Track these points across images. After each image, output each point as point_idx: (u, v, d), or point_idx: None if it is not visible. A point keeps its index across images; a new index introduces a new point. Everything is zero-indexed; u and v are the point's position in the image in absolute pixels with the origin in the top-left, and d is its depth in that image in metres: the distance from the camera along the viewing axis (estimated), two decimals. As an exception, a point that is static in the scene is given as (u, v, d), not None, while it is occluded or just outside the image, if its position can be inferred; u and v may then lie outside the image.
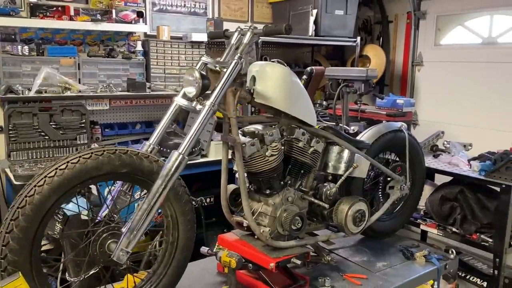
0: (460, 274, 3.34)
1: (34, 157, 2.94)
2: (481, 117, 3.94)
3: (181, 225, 1.76)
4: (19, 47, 3.08)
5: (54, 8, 3.23)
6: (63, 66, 3.24)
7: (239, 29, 1.93)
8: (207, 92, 1.74)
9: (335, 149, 2.21)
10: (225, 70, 1.77)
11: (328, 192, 2.16)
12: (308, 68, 3.28)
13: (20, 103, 2.93)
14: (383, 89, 4.70)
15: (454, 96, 4.13)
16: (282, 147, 2.05)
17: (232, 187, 2.08)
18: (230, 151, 1.97)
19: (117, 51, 3.52)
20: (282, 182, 2.06)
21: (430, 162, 3.17)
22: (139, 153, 1.63)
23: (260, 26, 1.87)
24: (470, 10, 4.03)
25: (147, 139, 3.72)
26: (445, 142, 3.26)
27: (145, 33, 3.75)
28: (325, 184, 2.20)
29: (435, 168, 3.03)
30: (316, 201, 2.08)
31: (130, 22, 3.51)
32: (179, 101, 1.83)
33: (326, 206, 2.08)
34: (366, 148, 2.37)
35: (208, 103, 1.68)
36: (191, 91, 1.75)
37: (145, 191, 1.72)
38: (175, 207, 1.73)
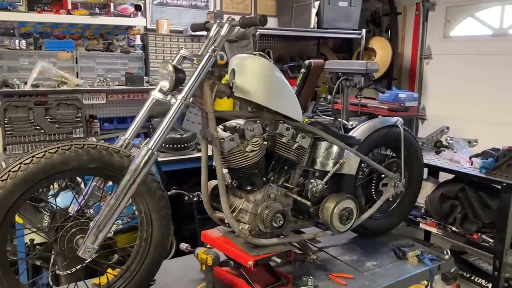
0: (464, 274, 3.24)
1: (30, 151, 2.95)
2: (492, 112, 3.78)
3: (155, 221, 1.72)
4: (17, 41, 3.10)
5: (52, 2, 3.23)
6: (60, 60, 3.25)
7: (218, 21, 1.88)
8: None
9: (323, 145, 2.15)
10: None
11: (314, 189, 2.10)
12: (306, 61, 3.19)
13: (16, 97, 2.95)
14: (391, 83, 4.58)
15: (464, 90, 3.99)
16: (265, 143, 2.00)
17: (214, 183, 2.03)
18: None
19: (116, 45, 3.52)
20: (264, 178, 2.00)
21: (431, 158, 3.06)
22: (109, 147, 1.60)
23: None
24: (480, 0, 3.87)
25: (146, 133, 3.74)
26: (448, 138, 3.15)
27: (145, 27, 3.73)
28: (311, 180, 2.14)
29: (435, 165, 2.92)
30: (299, 198, 2.02)
31: (129, 16, 3.49)
32: (155, 94, 1.80)
33: (308, 203, 2.01)
34: (356, 144, 2.29)
35: (179, 97, 1.64)
36: (165, 85, 1.71)
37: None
38: (148, 202, 1.70)
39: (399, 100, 3.32)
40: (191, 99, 1.72)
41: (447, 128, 3.28)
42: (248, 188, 1.97)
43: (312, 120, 2.18)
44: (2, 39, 3.15)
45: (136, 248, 1.75)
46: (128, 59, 3.53)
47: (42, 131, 3.01)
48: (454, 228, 2.82)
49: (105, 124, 3.54)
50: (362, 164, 2.43)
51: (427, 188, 3.17)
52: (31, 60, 3.15)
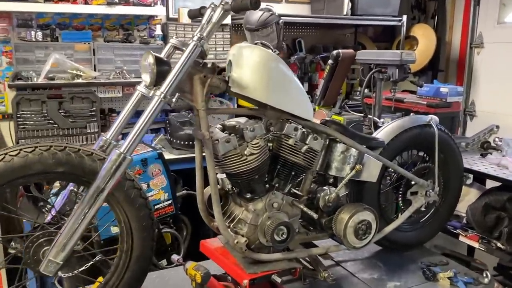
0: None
1: (43, 145, 2.90)
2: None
3: (135, 232, 1.54)
4: (33, 32, 3.03)
5: (70, -8, 3.13)
6: (78, 52, 3.16)
7: (212, 5, 1.65)
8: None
9: (339, 148, 1.87)
10: (189, 54, 1.51)
11: (327, 197, 1.84)
12: (334, 52, 2.90)
13: (29, 90, 2.88)
14: (436, 75, 4.15)
15: (520, 83, 3.51)
16: (270, 144, 1.77)
17: (212, 188, 1.83)
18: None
19: (135, 36, 3.38)
20: (267, 185, 1.77)
21: (474, 162, 2.68)
22: (80, 149, 1.43)
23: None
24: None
25: (164, 128, 3.57)
26: (497, 139, 2.74)
27: (167, 17, 3.57)
28: (324, 188, 1.88)
29: (479, 170, 2.54)
30: (305, 209, 1.76)
31: (150, 5, 3.33)
32: (140, 89, 1.60)
33: (315, 215, 1.75)
34: (379, 146, 2.00)
35: (158, 93, 1.43)
36: (146, 79, 1.52)
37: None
38: (127, 212, 1.51)
39: (440, 95, 2.93)
40: (177, 95, 1.52)
41: (497, 127, 2.86)
42: (248, 196, 1.74)
43: (327, 119, 1.91)
44: (20, 30, 3.09)
45: (116, 260, 1.58)
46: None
47: (56, 125, 2.93)
48: (499, 244, 2.44)
49: (124, 118, 3.41)
50: (390, 169, 2.14)
51: (470, 195, 2.79)
52: (47, 52, 3.07)
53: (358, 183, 2.00)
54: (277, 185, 1.79)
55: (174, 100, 1.51)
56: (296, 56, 3.73)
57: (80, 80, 3.01)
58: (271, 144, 1.78)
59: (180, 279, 1.96)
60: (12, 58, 3.01)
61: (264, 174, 1.73)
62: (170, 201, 2.52)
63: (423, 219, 2.29)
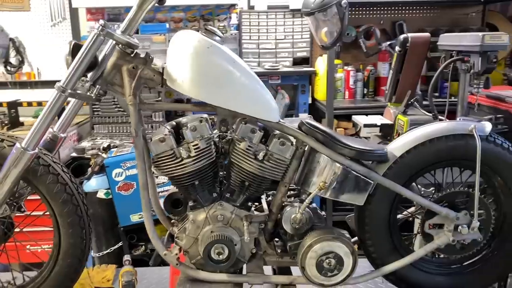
0: None
1: (113, 131, 3.13)
2: None
3: (61, 228, 1.52)
4: (115, 26, 3.26)
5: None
6: (155, 43, 3.30)
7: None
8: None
9: (317, 159, 1.51)
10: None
11: (293, 216, 1.51)
12: (401, 37, 2.34)
13: (104, 79, 3.12)
14: None
15: None
16: (226, 147, 1.52)
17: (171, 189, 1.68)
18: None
19: (211, 26, 3.35)
20: (214, 194, 1.53)
21: None
22: (3, 140, 1.46)
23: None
24: None
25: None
26: None
27: (248, 5, 3.44)
28: (295, 204, 1.54)
29: None
30: (245, 227, 1.47)
31: (228, -6, 3.27)
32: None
33: (246, 238, 1.44)
34: (375, 160, 1.53)
35: (56, 86, 1.35)
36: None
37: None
38: (52, 206, 1.50)
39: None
40: (97, 87, 1.42)
41: None
42: (190, 204, 1.54)
43: (304, 121, 1.54)
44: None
45: (50, 254, 1.58)
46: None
47: (125, 113, 3.13)
48: None
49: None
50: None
51: None
52: (127, 44, 3.28)
53: (359, 206, 1.58)
54: (228, 195, 1.54)
55: (93, 94, 1.41)
56: (389, 43, 3.17)
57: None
58: (227, 147, 1.53)
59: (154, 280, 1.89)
60: (98, 51, 3.31)
61: (206, 181, 1.50)
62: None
63: (467, 262, 1.69)
